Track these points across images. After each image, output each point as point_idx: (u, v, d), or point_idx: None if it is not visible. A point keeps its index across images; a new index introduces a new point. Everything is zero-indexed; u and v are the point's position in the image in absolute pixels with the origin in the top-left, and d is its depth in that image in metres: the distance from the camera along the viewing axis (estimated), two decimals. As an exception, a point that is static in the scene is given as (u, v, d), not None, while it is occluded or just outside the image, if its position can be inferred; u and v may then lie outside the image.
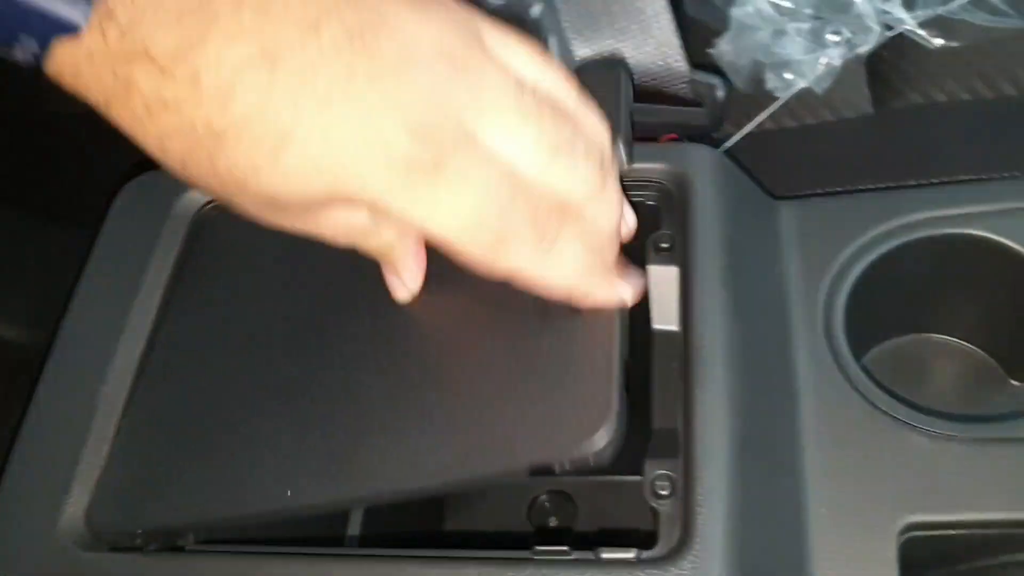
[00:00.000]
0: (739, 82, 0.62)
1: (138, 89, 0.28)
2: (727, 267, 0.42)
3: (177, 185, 0.48)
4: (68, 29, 0.27)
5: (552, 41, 0.46)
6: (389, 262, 0.38)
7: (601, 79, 0.42)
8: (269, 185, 0.29)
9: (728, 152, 0.58)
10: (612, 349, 0.35)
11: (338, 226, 0.33)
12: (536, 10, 0.44)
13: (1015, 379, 0.49)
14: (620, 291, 0.37)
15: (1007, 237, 0.45)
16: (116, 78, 0.28)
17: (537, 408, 0.35)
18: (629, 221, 0.38)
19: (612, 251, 0.36)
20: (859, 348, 0.46)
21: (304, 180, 0.29)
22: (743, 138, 0.59)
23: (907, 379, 0.49)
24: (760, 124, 0.60)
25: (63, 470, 0.39)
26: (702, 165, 0.45)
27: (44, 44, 0.27)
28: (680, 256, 0.42)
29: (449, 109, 0.29)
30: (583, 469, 0.33)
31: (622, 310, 0.37)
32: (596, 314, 0.36)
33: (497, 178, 0.30)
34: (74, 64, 0.28)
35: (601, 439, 0.33)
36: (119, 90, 0.28)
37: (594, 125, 0.34)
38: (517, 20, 0.44)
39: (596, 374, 0.34)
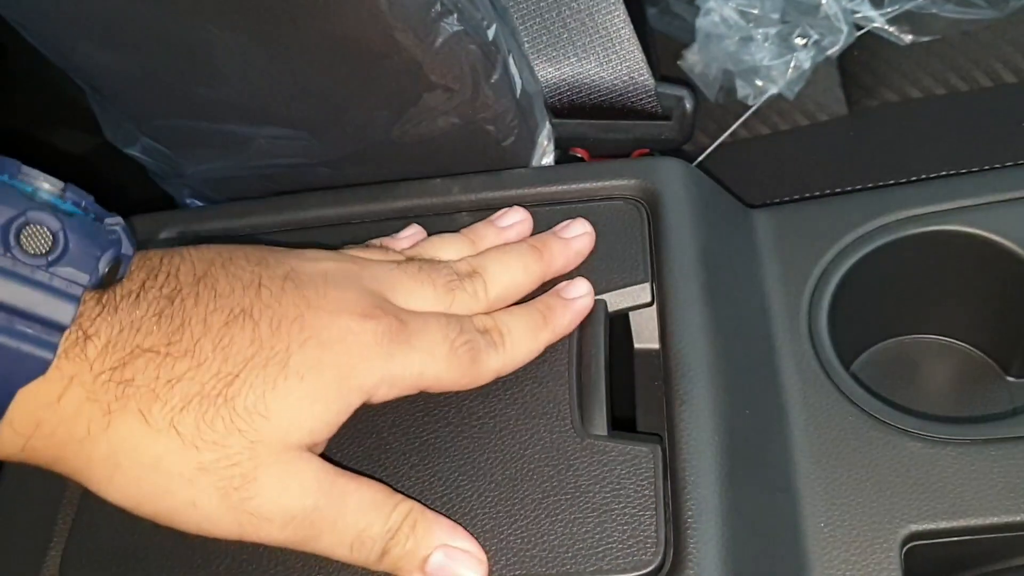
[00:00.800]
0: (710, 92, 0.61)
1: (137, 383, 0.30)
2: (704, 281, 0.41)
3: (148, 230, 0.47)
4: (37, 365, 0.29)
5: (510, 61, 0.45)
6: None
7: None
8: (288, 410, 0.32)
9: (702, 163, 0.57)
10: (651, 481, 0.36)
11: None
12: (492, 31, 0.43)
13: (1011, 375, 0.48)
14: (575, 306, 0.40)
15: (990, 230, 0.44)
16: (111, 385, 0.30)
17: (583, 523, 0.35)
18: (575, 245, 0.42)
19: (541, 303, 0.40)
20: (847, 354, 0.45)
21: (315, 392, 0.33)
22: (719, 148, 0.58)
23: (900, 383, 0.48)
24: (734, 133, 0.59)
25: (39, 532, 0.38)
26: (674, 178, 0.44)
27: (6, 393, 0.29)
28: (656, 272, 0.41)
29: (374, 295, 0.35)
30: None
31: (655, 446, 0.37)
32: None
33: (433, 317, 0.36)
34: (50, 399, 0.29)
35: (650, 563, 0.34)
36: (114, 396, 0.30)
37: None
38: (475, 43, 0.43)
39: (635, 499, 0.36)
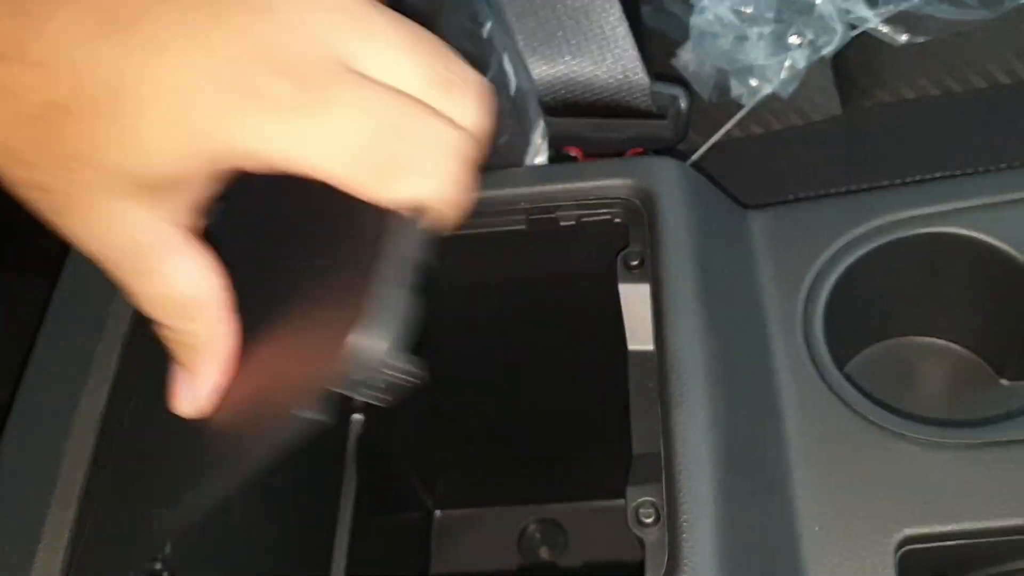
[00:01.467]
0: (703, 91, 0.61)
1: None
2: (699, 281, 0.41)
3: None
4: None
5: (505, 59, 0.45)
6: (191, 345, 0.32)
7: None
8: (127, 158, 0.27)
9: (696, 163, 0.57)
10: (391, 248, 0.28)
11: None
12: (487, 29, 0.43)
13: (1005, 377, 0.48)
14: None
15: (985, 233, 0.44)
16: None
17: (317, 331, 0.30)
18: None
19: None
20: (841, 356, 0.45)
21: (169, 143, 0.27)
22: (711, 148, 0.58)
23: (893, 385, 0.48)
24: (727, 132, 0.59)
25: (30, 532, 0.38)
26: (668, 178, 0.43)
27: None
28: (651, 273, 0.41)
29: (320, 43, 0.27)
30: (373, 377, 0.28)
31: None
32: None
33: (377, 99, 0.27)
34: None
35: (366, 341, 0.27)
36: None
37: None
38: (470, 39, 0.42)
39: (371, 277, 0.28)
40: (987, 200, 0.45)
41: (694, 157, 0.57)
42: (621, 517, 0.57)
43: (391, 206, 0.28)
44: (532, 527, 0.61)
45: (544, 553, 0.60)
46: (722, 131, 0.58)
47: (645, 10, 0.65)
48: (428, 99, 0.28)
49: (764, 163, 0.57)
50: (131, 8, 0.26)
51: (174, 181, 0.28)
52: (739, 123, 0.59)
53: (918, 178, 0.50)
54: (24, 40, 0.26)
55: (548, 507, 0.61)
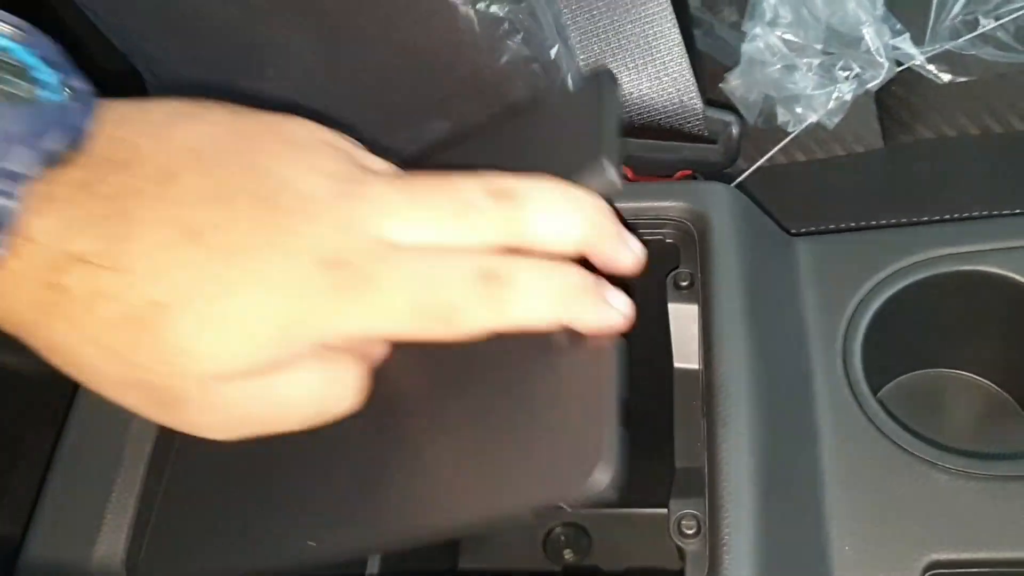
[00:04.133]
0: (749, 116, 0.63)
1: (72, 292, 0.29)
2: (747, 304, 0.42)
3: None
4: None
5: (568, 80, 0.46)
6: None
7: (585, 98, 0.39)
8: (216, 352, 0.30)
9: (740, 186, 0.58)
10: (609, 386, 0.33)
11: (290, 396, 0.33)
12: (555, 51, 0.45)
13: (1030, 413, 0.49)
14: (609, 311, 0.34)
15: (1020, 274, 0.46)
16: (48, 288, 0.29)
17: (537, 449, 0.34)
18: (633, 247, 0.35)
19: (577, 273, 0.33)
20: (876, 383, 0.46)
21: (249, 336, 0.30)
22: (755, 172, 0.59)
23: (923, 414, 0.49)
24: (771, 158, 0.60)
25: (93, 514, 0.40)
26: (720, 202, 0.45)
27: None
28: (700, 294, 0.43)
29: (353, 228, 0.31)
30: (589, 504, 0.33)
31: (619, 346, 0.34)
32: (592, 351, 0.35)
33: (414, 264, 0.31)
34: None
35: (601, 480, 0.31)
36: (51, 299, 0.29)
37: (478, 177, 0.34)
38: (537, 62, 0.44)
39: (593, 412, 0.33)
40: (1021, 242, 0.46)
41: (739, 180, 0.59)
42: (643, 524, 0.59)
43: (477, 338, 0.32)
44: (558, 530, 0.63)
45: (568, 556, 0.62)
46: (767, 156, 0.60)
47: (696, 34, 0.67)
48: (458, 236, 0.32)
49: (806, 190, 0.59)
50: (204, 221, 0.30)
51: (272, 364, 0.31)
52: (783, 150, 0.61)
53: (957, 216, 0.52)
54: (115, 252, 0.29)
55: (574, 512, 0.63)
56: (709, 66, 0.65)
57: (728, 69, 0.64)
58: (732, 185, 0.57)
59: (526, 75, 0.44)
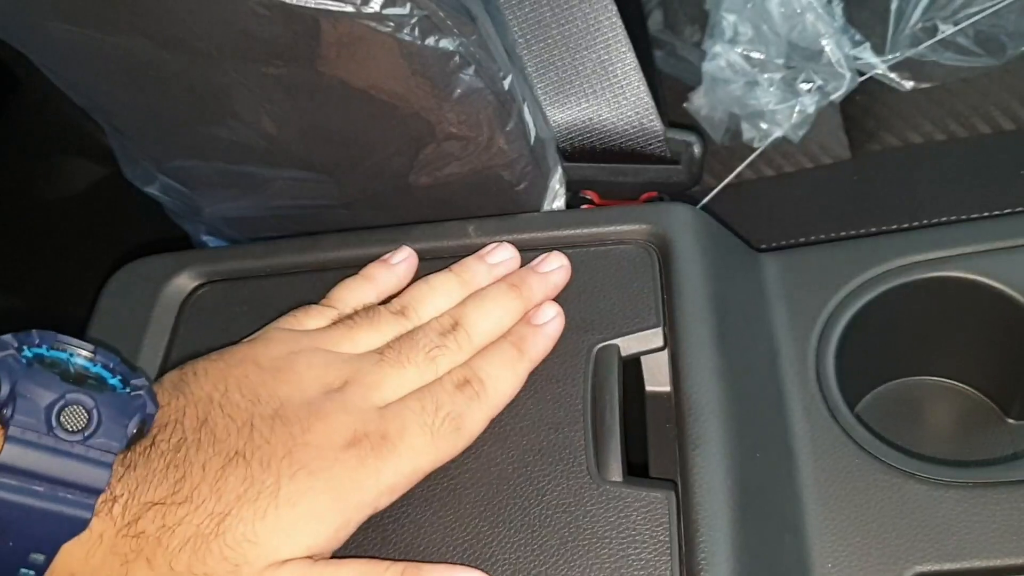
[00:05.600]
0: (715, 134, 0.63)
1: (147, 533, 0.34)
2: (715, 324, 0.42)
3: (168, 269, 0.48)
4: (77, 526, 0.33)
5: (525, 109, 0.46)
6: None
7: None
8: (278, 535, 0.35)
9: (708, 205, 0.58)
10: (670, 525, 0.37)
11: None
12: (508, 81, 0.44)
13: (1012, 417, 0.49)
14: (548, 328, 0.42)
15: (991, 277, 0.45)
16: (130, 538, 0.34)
17: None
18: (552, 279, 0.44)
19: (512, 338, 0.42)
20: (852, 396, 0.46)
21: (306, 515, 0.36)
22: (724, 189, 0.59)
23: (903, 424, 0.49)
24: (739, 175, 0.60)
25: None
26: (682, 222, 0.45)
27: (52, 551, 0.33)
28: (666, 316, 0.42)
29: (354, 408, 0.38)
30: None
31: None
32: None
33: (411, 405, 0.39)
34: (83, 555, 0.33)
35: None
36: (131, 547, 0.34)
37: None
38: (492, 93, 0.44)
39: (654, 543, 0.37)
40: (993, 245, 0.46)
41: (706, 199, 0.59)
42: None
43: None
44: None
45: None
46: (734, 173, 0.59)
47: (658, 55, 0.67)
48: (432, 377, 0.40)
49: (775, 205, 0.59)
50: (237, 445, 0.36)
51: (333, 538, 0.36)
52: (750, 166, 0.61)
53: (925, 222, 0.51)
54: (178, 489, 0.35)
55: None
56: (674, 87, 0.65)
57: (692, 89, 0.64)
58: (700, 205, 0.57)
59: (481, 106, 0.44)
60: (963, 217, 0.51)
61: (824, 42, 0.59)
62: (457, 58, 0.43)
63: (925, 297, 0.47)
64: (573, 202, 0.53)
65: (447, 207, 0.48)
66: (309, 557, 0.35)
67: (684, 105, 0.63)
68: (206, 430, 0.36)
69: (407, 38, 0.42)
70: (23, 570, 0.33)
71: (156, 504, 0.34)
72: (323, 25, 0.42)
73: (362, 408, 0.38)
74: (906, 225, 0.52)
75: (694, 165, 0.52)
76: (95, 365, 0.36)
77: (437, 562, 0.37)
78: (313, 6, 0.41)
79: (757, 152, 0.59)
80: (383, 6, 0.41)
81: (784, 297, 0.46)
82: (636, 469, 0.41)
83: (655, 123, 0.51)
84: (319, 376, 0.39)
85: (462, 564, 0.37)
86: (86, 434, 0.33)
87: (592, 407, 0.40)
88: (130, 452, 0.35)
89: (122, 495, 0.34)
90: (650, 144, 0.52)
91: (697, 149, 0.52)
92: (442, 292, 0.43)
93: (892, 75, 0.59)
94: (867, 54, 0.59)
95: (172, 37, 0.44)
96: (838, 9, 0.61)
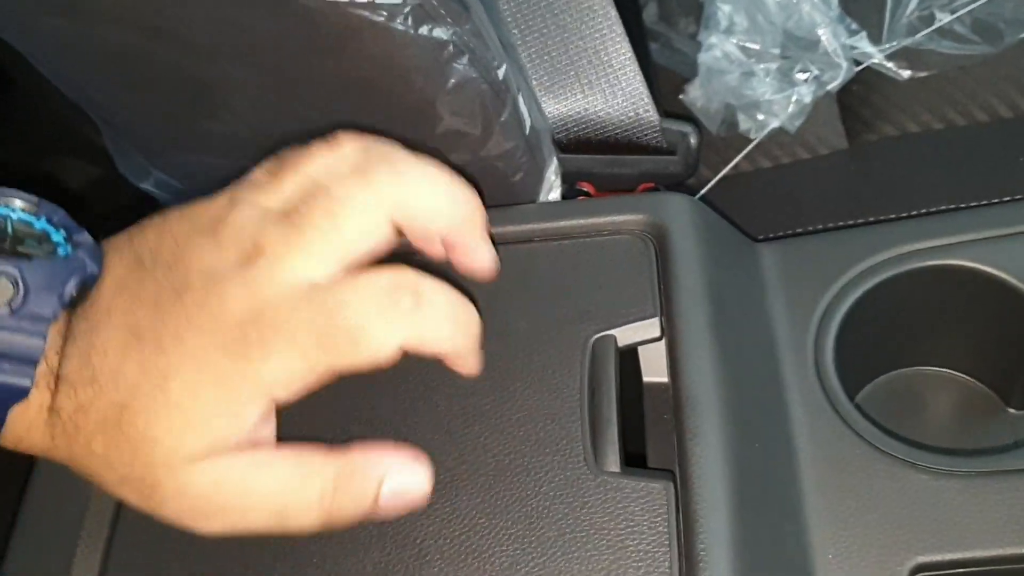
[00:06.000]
0: (712, 126, 0.62)
1: (62, 413, 0.33)
2: (712, 315, 0.42)
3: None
4: (15, 394, 0.32)
5: (520, 99, 0.46)
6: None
7: None
8: (175, 434, 0.33)
9: (706, 196, 0.58)
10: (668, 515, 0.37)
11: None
12: (503, 71, 0.44)
13: (1012, 407, 0.48)
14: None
15: (990, 265, 0.45)
16: (49, 413, 0.33)
17: None
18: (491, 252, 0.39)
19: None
20: (852, 386, 0.45)
21: (199, 411, 0.33)
22: (721, 181, 0.59)
23: (903, 414, 0.48)
24: (736, 166, 0.60)
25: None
26: (678, 213, 0.44)
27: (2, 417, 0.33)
28: (664, 307, 0.42)
29: (256, 283, 0.33)
30: None
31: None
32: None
33: (320, 297, 0.34)
34: (26, 425, 0.33)
35: None
36: (52, 423, 0.33)
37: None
38: (486, 82, 0.44)
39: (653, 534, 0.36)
40: (991, 233, 0.46)
41: (703, 191, 0.58)
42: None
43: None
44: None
45: None
46: (731, 165, 0.59)
47: (653, 47, 0.67)
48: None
49: (772, 196, 0.59)
50: (141, 321, 0.33)
51: (228, 439, 0.33)
52: (747, 157, 0.60)
53: (923, 211, 0.51)
54: (86, 365, 0.33)
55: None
56: (670, 78, 0.65)
57: (688, 80, 0.63)
58: (698, 196, 0.57)
59: (476, 97, 0.44)
60: (961, 205, 0.50)
61: (820, 32, 0.59)
62: (451, 47, 0.43)
63: (923, 286, 0.46)
64: (569, 194, 0.53)
65: (442, 199, 0.48)
66: (235, 449, 0.33)
67: (680, 97, 0.63)
68: (121, 299, 0.34)
69: (400, 27, 0.41)
70: None
71: (69, 380, 0.33)
72: (315, 16, 0.41)
73: (270, 283, 0.33)
74: (904, 214, 0.51)
75: (690, 155, 0.51)
76: (38, 219, 0.34)
77: (434, 553, 0.37)
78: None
79: (754, 143, 0.59)
80: (375, -5, 0.41)
81: (782, 287, 0.46)
82: (634, 459, 0.40)
83: (651, 114, 0.51)
84: (233, 241, 0.34)
85: (460, 553, 0.36)
86: (13, 306, 0.32)
87: (589, 398, 0.40)
88: (73, 318, 0.33)
89: (57, 369, 0.33)
90: (646, 135, 0.51)
91: (693, 139, 0.52)
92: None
93: (889, 64, 0.59)
94: (863, 43, 0.59)
95: (163, 29, 0.43)
96: (835, -1, 0.61)
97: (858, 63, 0.60)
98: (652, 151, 0.52)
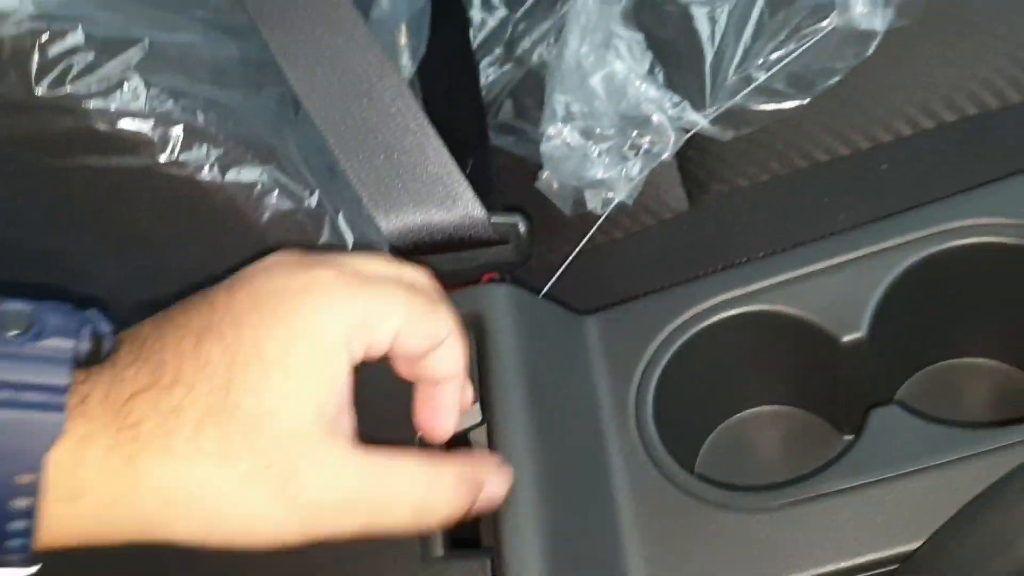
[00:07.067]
0: (565, 207, 0.66)
1: (144, 420, 0.32)
2: (526, 395, 0.44)
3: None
4: (53, 428, 0.30)
5: (340, 218, 0.50)
6: None
7: None
8: (289, 406, 0.33)
9: (566, 271, 0.61)
10: None
11: None
12: (314, 199, 0.48)
13: (845, 432, 0.51)
14: None
15: (790, 306, 0.48)
16: (124, 430, 0.31)
17: None
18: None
19: None
20: (689, 439, 0.48)
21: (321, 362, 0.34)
22: (582, 255, 0.62)
23: (748, 456, 0.51)
24: (592, 240, 0.64)
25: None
26: (496, 303, 0.48)
27: (36, 464, 0.30)
28: (484, 393, 0.45)
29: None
30: None
31: None
32: None
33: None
34: (73, 463, 0.31)
35: None
36: (130, 437, 0.32)
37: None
38: (299, 211, 0.48)
39: None
40: (791, 275, 0.49)
41: (560, 269, 0.62)
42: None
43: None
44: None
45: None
46: (584, 241, 0.63)
47: (509, 140, 0.71)
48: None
49: (623, 265, 0.62)
50: (208, 321, 0.34)
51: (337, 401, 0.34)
52: (601, 230, 0.64)
53: (743, 260, 0.54)
54: (162, 375, 0.33)
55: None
56: (528, 167, 0.69)
57: (541, 167, 0.68)
58: (556, 275, 0.61)
59: (292, 225, 0.48)
60: (777, 251, 0.54)
61: (646, 108, 0.63)
62: (259, 185, 0.47)
63: (735, 332, 0.50)
64: (420, 294, 0.56)
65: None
66: (355, 443, 0.34)
67: (536, 184, 0.67)
68: (165, 326, 0.34)
69: (207, 178, 0.46)
70: (15, 510, 0.30)
71: (141, 392, 0.32)
72: (132, 184, 0.46)
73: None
74: (727, 265, 0.55)
75: (522, 243, 0.55)
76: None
77: None
78: (115, 166, 0.45)
79: (601, 219, 0.63)
80: (179, 153, 0.45)
81: (604, 354, 0.49)
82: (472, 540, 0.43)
83: (479, 211, 0.55)
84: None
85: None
86: (31, 334, 0.31)
87: None
88: (92, 368, 0.32)
89: (94, 392, 0.31)
90: (478, 231, 0.55)
91: (523, 228, 0.55)
92: None
93: (714, 128, 0.63)
94: (688, 112, 0.63)
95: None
96: (660, 75, 0.65)
97: (687, 131, 0.64)
98: (487, 244, 0.55)
